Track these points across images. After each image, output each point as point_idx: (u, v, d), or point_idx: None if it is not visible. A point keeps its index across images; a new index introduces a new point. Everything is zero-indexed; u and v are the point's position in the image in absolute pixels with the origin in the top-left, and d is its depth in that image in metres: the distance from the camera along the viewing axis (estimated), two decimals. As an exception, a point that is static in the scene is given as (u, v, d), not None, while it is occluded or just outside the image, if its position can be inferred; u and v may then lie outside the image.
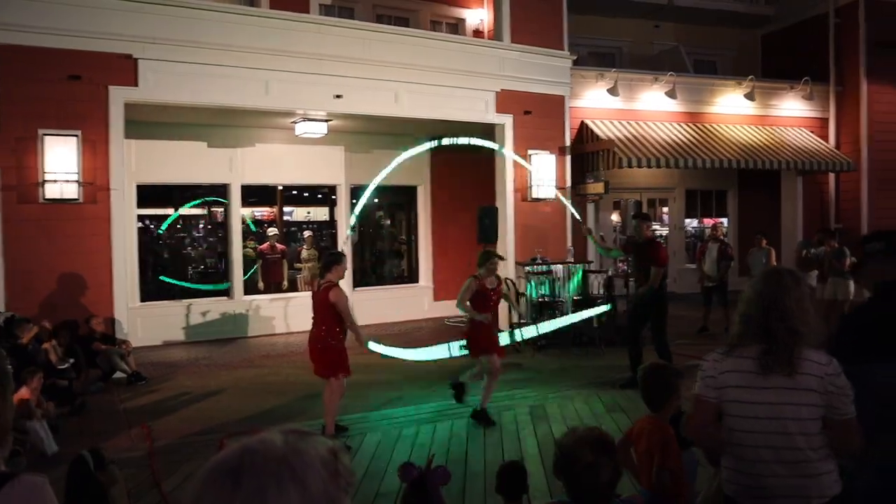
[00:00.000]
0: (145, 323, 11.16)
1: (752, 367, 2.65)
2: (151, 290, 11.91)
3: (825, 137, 15.97)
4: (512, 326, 10.51)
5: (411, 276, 14.36)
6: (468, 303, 6.88)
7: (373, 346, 7.09)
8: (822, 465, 2.61)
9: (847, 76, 15.86)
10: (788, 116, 15.80)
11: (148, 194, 11.66)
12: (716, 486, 3.17)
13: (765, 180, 16.17)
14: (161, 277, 12.34)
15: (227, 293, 12.20)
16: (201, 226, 13.52)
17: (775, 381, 2.61)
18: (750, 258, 12.01)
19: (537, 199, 12.46)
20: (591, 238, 9.42)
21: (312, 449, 1.04)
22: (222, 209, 12.52)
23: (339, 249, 8.96)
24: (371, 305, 12.76)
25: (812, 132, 15.79)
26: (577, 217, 11.11)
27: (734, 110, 15.26)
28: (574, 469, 2.47)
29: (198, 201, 12.85)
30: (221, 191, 12.25)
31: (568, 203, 11.42)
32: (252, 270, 12.64)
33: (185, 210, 12.89)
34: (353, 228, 7.66)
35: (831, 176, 15.98)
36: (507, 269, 11.99)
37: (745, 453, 2.67)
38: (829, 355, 2.61)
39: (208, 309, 11.84)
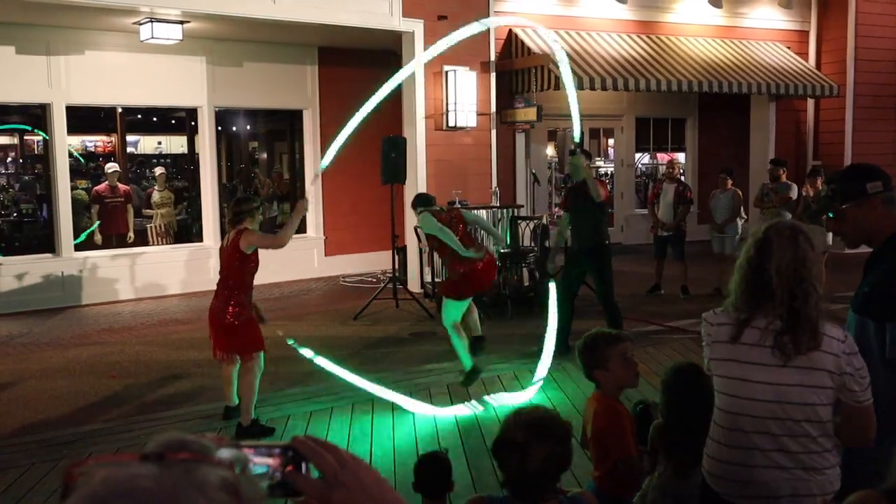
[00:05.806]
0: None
1: (758, 338, 2.77)
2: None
3: (804, 55, 16.58)
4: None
5: (298, 226, 14.17)
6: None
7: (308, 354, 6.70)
8: (830, 458, 2.80)
9: (831, -21, 16.44)
10: (761, 28, 16.27)
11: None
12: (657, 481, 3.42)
13: (731, 107, 16.69)
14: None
15: (51, 249, 12.01)
16: (10, 160, 13.25)
17: (784, 359, 2.76)
18: (712, 202, 12.27)
19: (455, 128, 12.54)
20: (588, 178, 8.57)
21: (202, 495, 0.90)
22: (40, 138, 12.21)
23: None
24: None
25: (789, 48, 16.34)
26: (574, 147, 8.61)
27: (696, 20, 15.62)
28: (502, 450, 2.69)
29: (6, 127, 12.53)
30: (38, 113, 11.92)
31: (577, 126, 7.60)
32: (88, 220, 12.38)
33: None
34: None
35: (810, 102, 16.69)
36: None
37: (737, 440, 2.82)
38: (845, 331, 2.79)
39: (25, 270, 11.64)
